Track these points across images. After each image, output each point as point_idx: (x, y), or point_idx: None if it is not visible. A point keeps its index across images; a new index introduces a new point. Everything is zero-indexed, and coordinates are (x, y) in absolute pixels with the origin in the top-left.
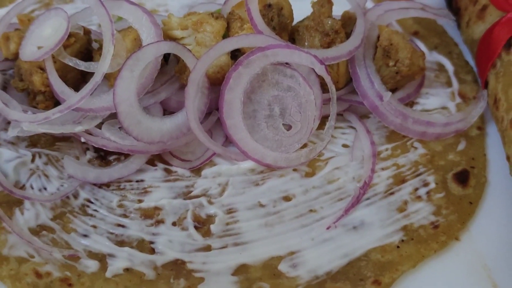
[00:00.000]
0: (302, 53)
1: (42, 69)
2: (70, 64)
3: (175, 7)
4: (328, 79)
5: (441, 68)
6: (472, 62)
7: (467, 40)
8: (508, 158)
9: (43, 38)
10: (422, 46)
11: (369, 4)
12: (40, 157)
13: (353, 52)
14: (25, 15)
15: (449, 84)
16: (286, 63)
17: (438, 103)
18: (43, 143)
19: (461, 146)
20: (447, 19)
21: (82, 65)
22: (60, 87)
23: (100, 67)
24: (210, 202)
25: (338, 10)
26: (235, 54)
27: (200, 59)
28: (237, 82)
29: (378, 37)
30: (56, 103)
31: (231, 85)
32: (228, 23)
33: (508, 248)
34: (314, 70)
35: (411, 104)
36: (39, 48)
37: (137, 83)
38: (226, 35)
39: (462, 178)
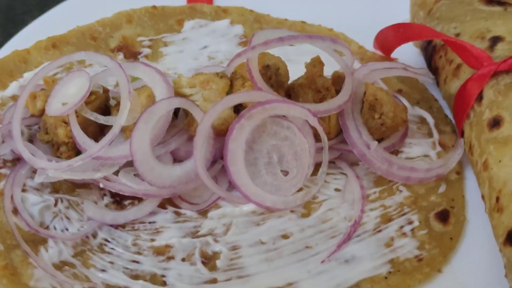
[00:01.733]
0: (297, 106)
1: (66, 122)
2: (91, 118)
3: (182, 70)
4: (320, 130)
5: (423, 121)
6: (450, 115)
7: (445, 95)
8: (482, 197)
9: (68, 96)
10: (405, 101)
11: (356, 65)
12: (62, 202)
13: (342, 107)
14: (50, 77)
15: (430, 135)
16: (283, 116)
17: (420, 151)
18: (64, 189)
19: (442, 189)
20: (427, 77)
21: (102, 119)
22: (82, 138)
23: (118, 120)
24: (215, 241)
25: (329, 70)
26: (238, 108)
27: (207, 113)
28: (240, 132)
29: (365, 93)
30: (77, 153)
31: (235, 136)
32: (231, 81)
33: (486, 278)
34: (308, 122)
35: (396, 153)
36: (63, 104)
37: (151, 134)
38: (229, 92)
39: (443, 217)
